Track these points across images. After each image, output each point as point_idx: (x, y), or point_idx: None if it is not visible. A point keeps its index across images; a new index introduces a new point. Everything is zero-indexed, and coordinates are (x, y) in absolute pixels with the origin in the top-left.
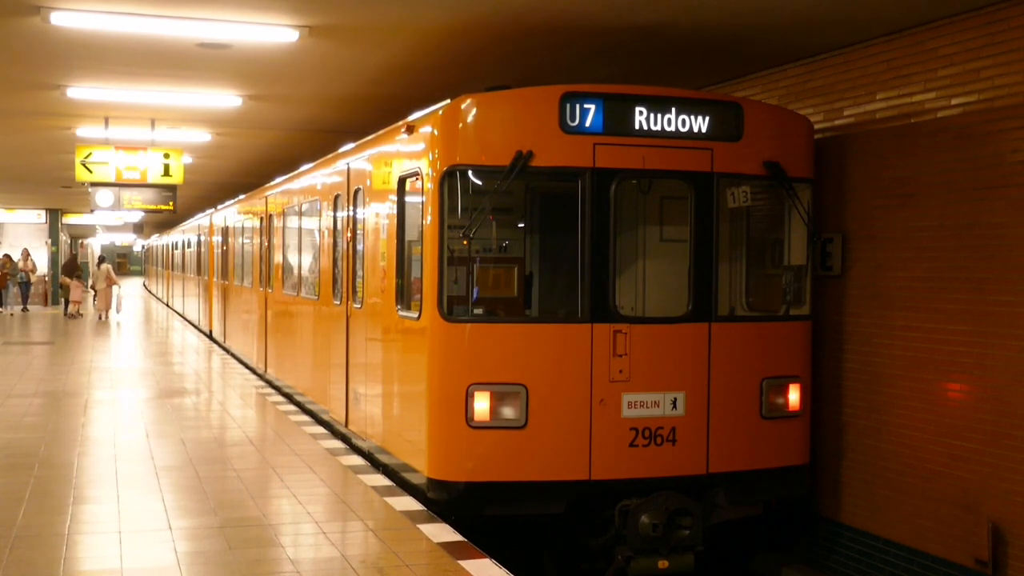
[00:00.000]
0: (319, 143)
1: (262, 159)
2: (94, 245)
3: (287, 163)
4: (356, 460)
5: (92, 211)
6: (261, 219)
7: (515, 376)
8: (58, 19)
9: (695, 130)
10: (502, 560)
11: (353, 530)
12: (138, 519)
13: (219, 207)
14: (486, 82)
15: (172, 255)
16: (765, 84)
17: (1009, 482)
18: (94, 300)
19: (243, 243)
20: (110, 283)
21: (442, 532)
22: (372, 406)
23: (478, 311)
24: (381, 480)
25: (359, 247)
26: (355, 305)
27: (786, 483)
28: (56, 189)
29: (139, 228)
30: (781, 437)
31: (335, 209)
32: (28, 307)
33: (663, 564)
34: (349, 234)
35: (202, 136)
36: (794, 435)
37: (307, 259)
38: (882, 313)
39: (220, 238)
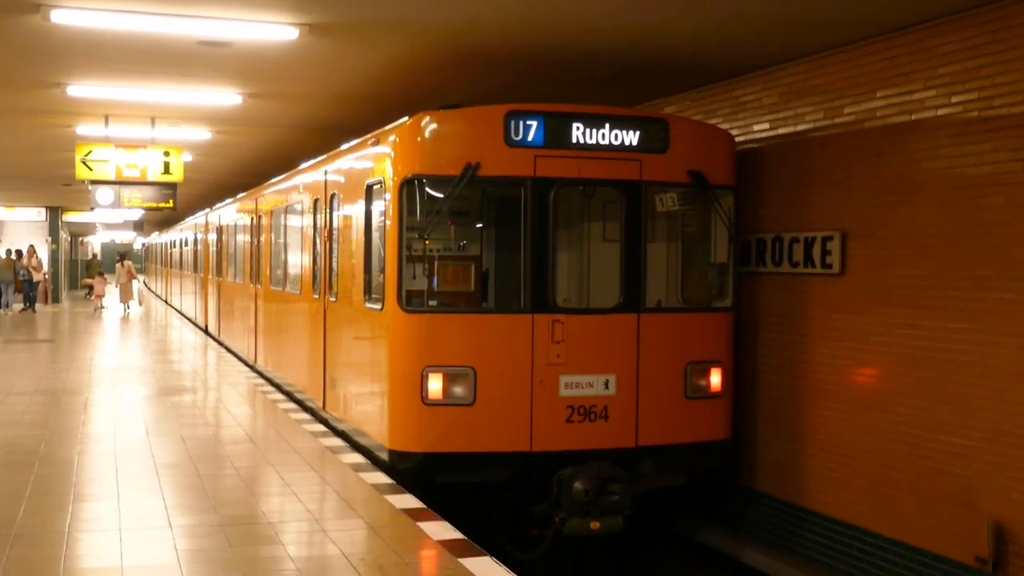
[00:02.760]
0: (319, 141)
1: (262, 157)
2: (94, 243)
3: (287, 161)
4: (356, 458)
5: (92, 209)
6: (252, 219)
7: (465, 360)
8: (58, 17)
9: (626, 143)
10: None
11: (353, 527)
12: (138, 517)
13: (215, 206)
14: (485, 81)
15: (170, 253)
16: (765, 82)
17: (1009, 479)
18: (91, 295)
19: (236, 242)
20: (131, 278)
21: (443, 530)
22: (344, 390)
23: (432, 303)
24: (381, 478)
25: (335, 246)
26: (331, 299)
27: (708, 456)
28: (56, 187)
29: (139, 226)
30: (703, 415)
31: (315, 211)
32: (35, 307)
33: (595, 525)
34: (327, 234)
35: (202, 134)
36: (716, 413)
37: (292, 257)
38: (882, 311)
39: (215, 236)
